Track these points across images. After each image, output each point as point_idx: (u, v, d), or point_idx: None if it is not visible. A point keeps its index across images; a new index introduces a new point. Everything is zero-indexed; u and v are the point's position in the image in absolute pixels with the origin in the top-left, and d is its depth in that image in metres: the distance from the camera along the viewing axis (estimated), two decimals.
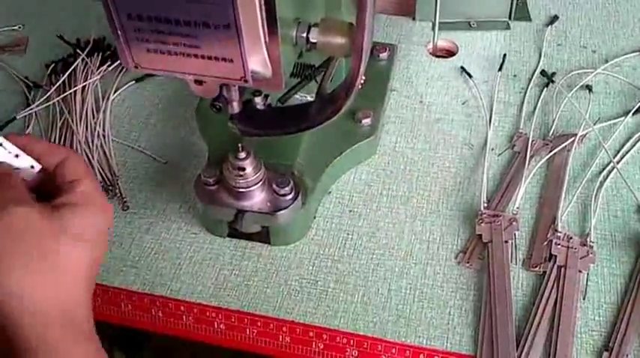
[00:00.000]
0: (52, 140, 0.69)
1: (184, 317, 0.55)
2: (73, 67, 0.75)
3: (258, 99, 0.49)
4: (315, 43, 0.41)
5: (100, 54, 0.77)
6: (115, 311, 0.56)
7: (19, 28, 0.85)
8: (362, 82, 0.42)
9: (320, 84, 0.51)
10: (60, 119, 0.71)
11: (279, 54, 0.38)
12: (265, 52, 0.38)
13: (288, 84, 0.61)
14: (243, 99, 0.47)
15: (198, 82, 0.42)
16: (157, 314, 0.55)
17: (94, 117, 0.70)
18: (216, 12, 0.36)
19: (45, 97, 0.73)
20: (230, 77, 0.40)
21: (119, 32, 0.39)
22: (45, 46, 0.81)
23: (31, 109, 0.72)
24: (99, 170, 0.65)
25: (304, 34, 0.41)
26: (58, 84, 0.74)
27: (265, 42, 0.38)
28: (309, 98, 0.60)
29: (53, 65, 0.76)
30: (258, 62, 0.39)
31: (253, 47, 0.38)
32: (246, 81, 0.40)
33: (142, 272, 0.58)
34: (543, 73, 0.73)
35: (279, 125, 0.49)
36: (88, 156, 0.66)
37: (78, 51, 0.77)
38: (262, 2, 0.36)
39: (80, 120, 0.70)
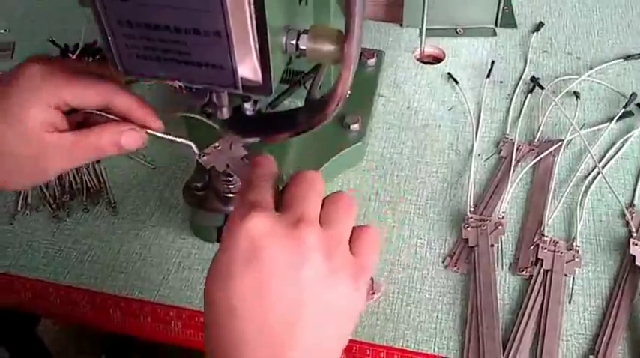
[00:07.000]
0: None
1: (173, 322, 0.55)
2: None
3: (247, 105, 0.49)
4: (304, 50, 0.41)
5: (90, 57, 0.77)
6: (103, 317, 0.56)
7: (5, 31, 0.84)
8: (349, 92, 0.42)
9: (309, 90, 0.51)
10: None
11: (269, 61, 0.38)
12: (255, 59, 0.38)
13: (277, 90, 0.61)
14: (233, 104, 0.47)
15: (188, 89, 0.42)
16: (146, 319, 0.55)
17: None
18: (207, 19, 0.36)
19: None
20: (219, 84, 0.40)
21: (109, 38, 0.39)
22: (33, 51, 0.80)
23: None
24: (87, 175, 0.65)
25: (294, 41, 0.41)
26: None
27: (255, 49, 0.38)
28: (300, 104, 0.60)
29: None
30: (247, 69, 0.39)
31: (243, 54, 0.38)
32: (235, 87, 0.40)
33: (131, 278, 0.58)
34: (533, 79, 0.74)
35: (267, 131, 0.50)
36: None
37: (69, 54, 0.76)
38: (252, 10, 0.36)
39: None
